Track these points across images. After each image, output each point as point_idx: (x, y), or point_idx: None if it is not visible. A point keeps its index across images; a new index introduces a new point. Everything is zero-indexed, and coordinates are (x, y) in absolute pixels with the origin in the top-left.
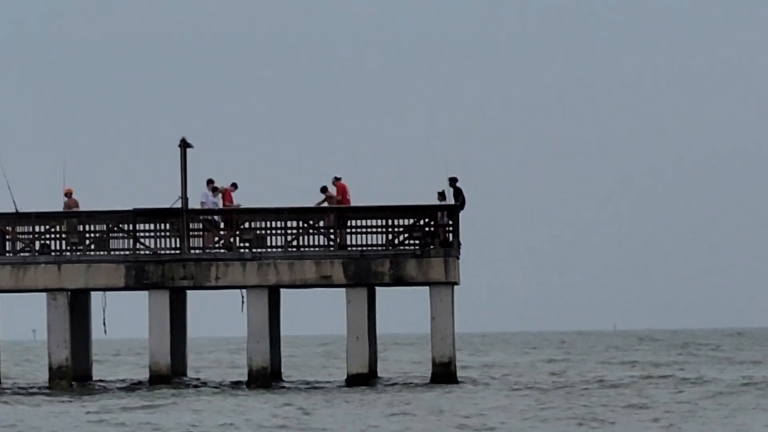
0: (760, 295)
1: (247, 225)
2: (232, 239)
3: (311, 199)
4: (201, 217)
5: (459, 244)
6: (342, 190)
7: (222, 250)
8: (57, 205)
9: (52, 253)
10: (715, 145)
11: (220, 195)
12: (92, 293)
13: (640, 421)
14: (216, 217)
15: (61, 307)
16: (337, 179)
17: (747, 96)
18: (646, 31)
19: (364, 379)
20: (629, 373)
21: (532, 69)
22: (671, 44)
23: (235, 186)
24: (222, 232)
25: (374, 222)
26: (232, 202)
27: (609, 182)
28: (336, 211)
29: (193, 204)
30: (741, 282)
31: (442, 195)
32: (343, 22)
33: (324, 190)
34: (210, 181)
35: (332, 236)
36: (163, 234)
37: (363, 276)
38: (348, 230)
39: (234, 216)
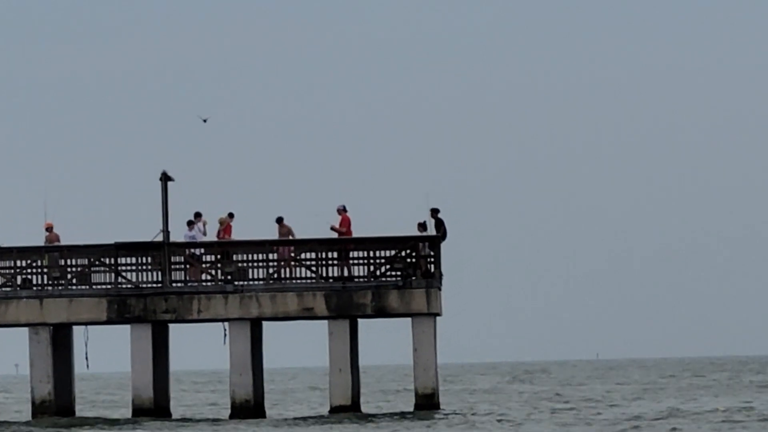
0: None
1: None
2: (215, 272)
3: (295, 229)
4: (187, 251)
5: (441, 275)
6: (347, 223)
7: (205, 283)
8: (38, 240)
9: (34, 288)
10: (693, 176)
11: (201, 224)
12: (74, 327)
13: None
14: (200, 251)
15: (44, 341)
16: (343, 210)
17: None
18: (624, 61)
19: (347, 410)
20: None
21: (511, 102)
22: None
23: (231, 216)
24: (204, 266)
25: (356, 253)
26: (230, 234)
27: (590, 213)
28: (320, 244)
29: (179, 238)
30: (720, 311)
31: (422, 226)
32: (323, 52)
33: (280, 221)
34: (198, 215)
35: (314, 269)
36: (144, 268)
37: (345, 308)
38: (330, 262)
39: (224, 248)
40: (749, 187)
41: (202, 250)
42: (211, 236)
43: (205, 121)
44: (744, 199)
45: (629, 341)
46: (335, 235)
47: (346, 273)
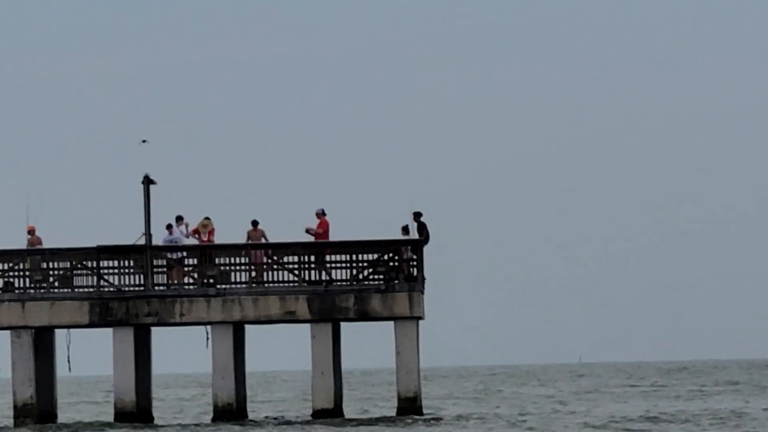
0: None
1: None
2: (197, 275)
3: (276, 233)
4: (168, 255)
5: (423, 278)
6: (325, 226)
7: (188, 287)
8: (20, 243)
9: (16, 291)
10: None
11: (183, 227)
12: (57, 331)
13: None
14: (182, 254)
15: (26, 344)
16: (321, 213)
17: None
18: (619, 58)
19: (330, 414)
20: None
21: (495, 105)
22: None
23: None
24: (187, 269)
25: (338, 257)
26: (213, 237)
27: (572, 217)
28: (303, 247)
29: (159, 241)
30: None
31: (405, 229)
32: (305, 54)
33: (254, 224)
34: (179, 218)
35: (297, 272)
36: (127, 271)
37: (327, 311)
38: (312, 265)
39: (207, 251)
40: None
41: (185, 254)
42: (190, 239)
43: (144, 142)
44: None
45: (612, 344)
46: (313, 238)
47: (325, 276)
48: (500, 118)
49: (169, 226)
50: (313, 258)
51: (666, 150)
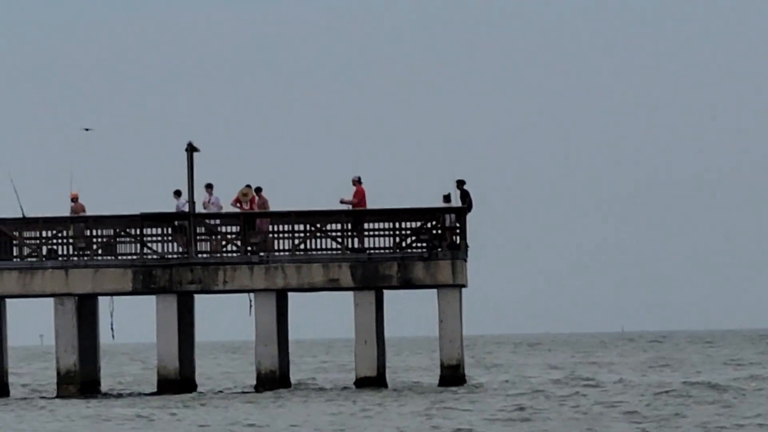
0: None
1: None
2: (241, 243)
3: (319, 201)
4: (206, 222)
5: (466, 246)
6: (360, 194)
7: (231, 254)
8: (64, 210)
9: (60, 258)
10: (725, 154)
11: (213, 196)
12: (100, 298)
13: None
14: (216, 221)
15: (69, 312)
16: (357, 181)
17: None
18: (660, 40)
19: (373, 382)
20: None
21: (539, 71)
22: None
23: (251, 187)
24: (229, 236)
25: (382, 225)
26: (255, 205)
27: (617, 184)
28: (346, 215)
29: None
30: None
31: (447, 198)
32: (351, 25)
33: (258, 191)
34: (209, 186)
35: (339, 240)
36: (170, 238)
37: (371, 279)
38: (353, 234)
39: (250, 219)
40: None
41: (218, 221)
42: (228, 206)
43: (87, 130)
44: None
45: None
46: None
47: (358, 245)
48: (547, 87)
49: (177, 192)
50: (346, 226)
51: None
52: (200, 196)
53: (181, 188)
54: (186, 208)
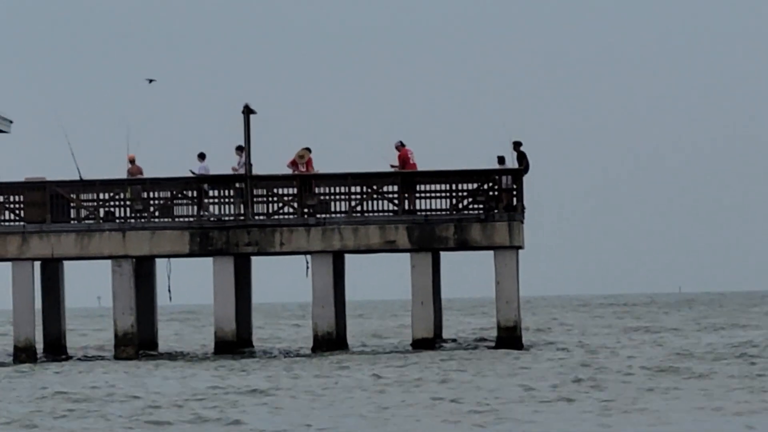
0: None
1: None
2: (297, 204)
3: (375, 163)
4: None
5: (523, 208)
6: (403, 159)
7: (288, 216)
8: (121, 173)
9: (117, 221)
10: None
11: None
12: (157, 260)
13: None
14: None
15: (126, 274)
16: (401, 145)
17: None
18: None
19: (430, 343)
20: None
21: (593, 34)
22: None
23: (309, 150)
24: (287, 198)
25: (438, 186)
26: (312, 167)
27: (670, 146)
28: (401, 176)
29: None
30: None
31: (501, 160)
32: None
33: (239, 149)
34: (239, 148)
35: (396, 201)
36: (227, 201)
37: (427, 241)
38: (414, 195)
39: (307, 180)
40: None
41: (243, 184)
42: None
43: (150, 81)
44: None
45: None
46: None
47: (412, 207)
48: (600, 50)
49: (201, 155)
50: (393, 188)
51: None
52: (231, 159)
53: (204, 151)
54: (206, 172)
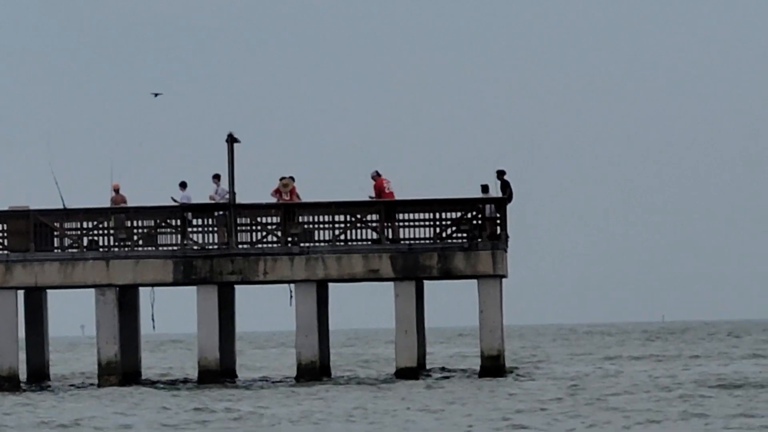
0: None
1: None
2: (281, 233)
3: (356, 192)
4: (216, 213)
5: (507, 236)
6: (379, 188)
7: (272, 245)
8: (105, 201)
9: (101, 249)
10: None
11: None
12: (140, 289)
13: None
14: (223, 212)
15: (110, 302)
16: (377, 175)
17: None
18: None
19: (414, 372)
20: None
21: (579, 63)
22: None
23: (292, 179)
24: (270, 227)
25: (422, 215)
26: (298, 196)
27: (655, 174)
28: (384, 205)
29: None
30: None
31: (485, 188)
32: (385, 14)
33: (217, 177)
34: (216, 176)
35: (378, 230)
36: (211, 229)
37: (411, 269)
38: (394, 224)
39: (290, 209)
40: None
41: (222, 212)
42: (269, 197)
43: (156, 95)
44: None
45: (696, 303)
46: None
47: (395, 235)
48: (587, 79)
49: (182, 184)
50: (373, 217)
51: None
52: (208, 187)
53: (186, 180)
54: (188, 200)
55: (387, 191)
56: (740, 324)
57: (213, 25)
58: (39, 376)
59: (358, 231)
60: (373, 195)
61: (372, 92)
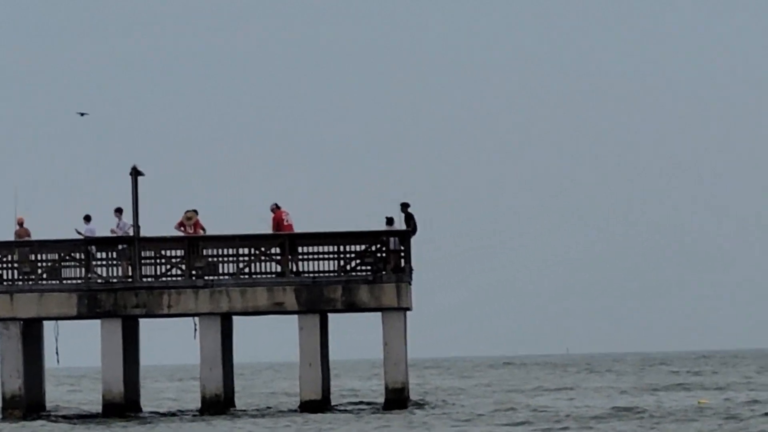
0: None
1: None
2: (185, 267)
3: (258, 224)
4: (119, 247)
5: (411, 269)
6: (278, 221)
7: (176, 278)
8: (9, 234)
9: (4, 283)
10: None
11: (123, 221)
12: (45, 322)
13: None
14: (124, 246)
15: (14, 336)
16: (276, 207)
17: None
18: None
19: (318, 405)
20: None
21: (485, 94)
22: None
23: (196, 212)
24: (175, 260)
25: (326, 248)
26: (203, 228)
27: (557, 209)
28: (287, 238)
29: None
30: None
31: (389, 221)
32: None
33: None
34: (118, 210)
35: (282, 263)
36: (115, 263)
37: (315, 302)
38: (299, 257)
39: (194, 242)
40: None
41: (126, 245)
42: (174, 230)
43: (82, 115)
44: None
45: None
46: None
47: (294, 268)
48: (489, 109)
49: (87, 218)
50: (275, 250)
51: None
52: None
53: (90, 213)
54: (92, 234)
55: (286, 224)
56: (647, 356)
57: (117, 60)
58: None
59: (263, 264)
60: (272, 228)
61: (273, 125)
